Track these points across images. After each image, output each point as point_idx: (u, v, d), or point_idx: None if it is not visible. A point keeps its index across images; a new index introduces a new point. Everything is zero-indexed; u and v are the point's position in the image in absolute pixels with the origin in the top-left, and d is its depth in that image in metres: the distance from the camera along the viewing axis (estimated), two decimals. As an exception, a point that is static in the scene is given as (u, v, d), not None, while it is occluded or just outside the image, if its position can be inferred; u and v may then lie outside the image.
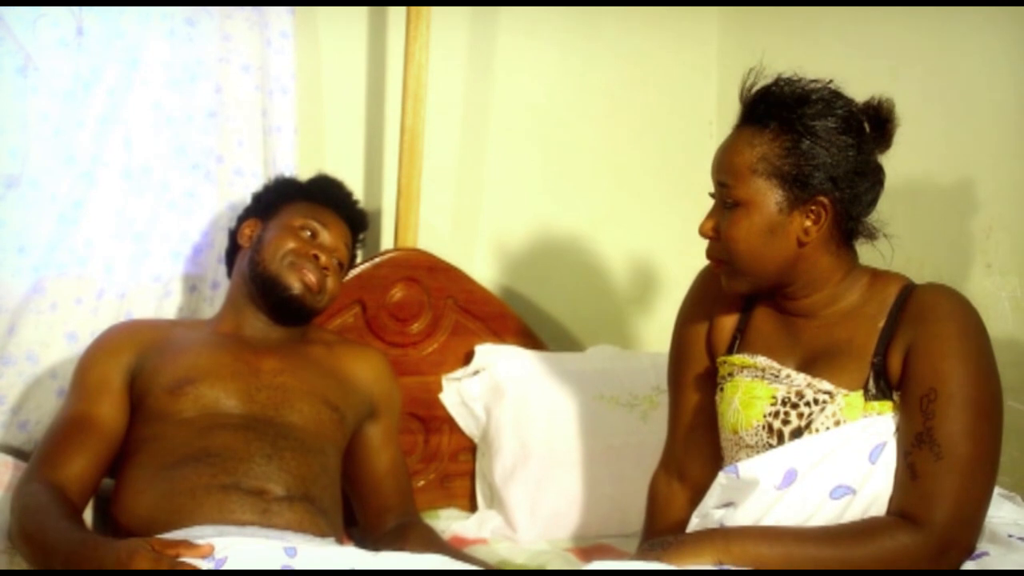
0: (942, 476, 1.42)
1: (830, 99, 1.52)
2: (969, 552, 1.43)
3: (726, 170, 1.55)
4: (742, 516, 1.49)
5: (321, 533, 1.67)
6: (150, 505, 1.65)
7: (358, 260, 2.21)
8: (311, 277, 1.89)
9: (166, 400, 1.76)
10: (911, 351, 1.48)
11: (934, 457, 1.42)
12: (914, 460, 1.44)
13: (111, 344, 1.87)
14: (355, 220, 2.06)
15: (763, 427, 1.54)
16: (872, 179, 1.54)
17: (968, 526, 1.43)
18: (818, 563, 1.42)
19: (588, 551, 2.12)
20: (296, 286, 1.88)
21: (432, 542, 1.90)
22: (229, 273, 2.04)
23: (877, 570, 1.41)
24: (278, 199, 2.02)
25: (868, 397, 1.50)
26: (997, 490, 1.52)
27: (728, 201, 1.55)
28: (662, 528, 1.72)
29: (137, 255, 2.12)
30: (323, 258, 1.91)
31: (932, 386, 1.45)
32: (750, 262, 1.55)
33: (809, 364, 1.56)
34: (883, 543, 1.42)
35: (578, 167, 2.79)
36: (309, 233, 1.94)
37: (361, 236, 2.10)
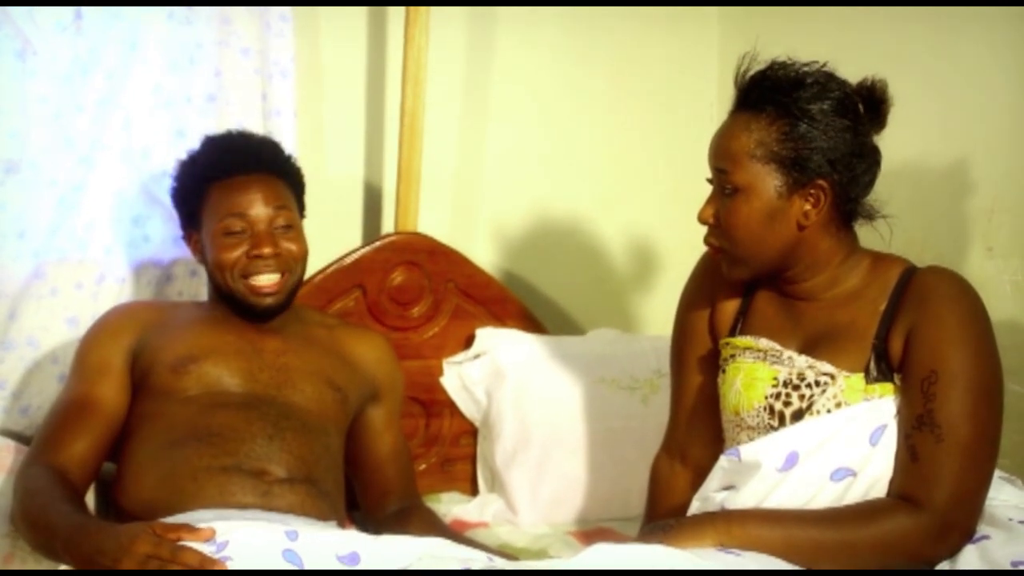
0: (943, 458, 1.42)
1: (825, 82, 1.52)
2: (969, 534, 1.43)
3: (723, 156, 1.55)
4: (743, 499, 1.50)
5: (323, 516, 1.67)
6: (152, 487, 1.65)
7: (358, 244, 2.20)
8: (267, 282, 1.80)
9: (169, 377, 1.75)
10: (912, 333, 1.48)
11: (935, 439, 1.42)
12: (915, 442, 1.44)
13: (111, 326, 1.85)
14: (271, 163, 1.87)
15: (764, 408, 1.55)
16: (869, 160, 1.54)
17: (968, 508, 1.44)
18: (819, 545, 1.42)
19: (589, 534, 2.13)
20: (259, 302, 1.81)
21: (434, 526, 1.90)
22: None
23: (877, 551, 1.42)
24: (192, 202, 1.86)
25: (869, 379, 1.50)
26: (997, 473, 1.52)
27: (727, 187, 1.54)
28: (664, 511, 1.72)
29: (137, 239, 2.11)
30: (267, 250, 1.78)
31: (933, 368, 1.45)
32: (750, 248, 1.55)
33: (811, 346, 1.56)
34: (884, 525, 1.42)
35: (579, 150, 2.78)
36: (240, 227, 1.79)
37: (288, 156, 1.93)
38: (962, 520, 1.43)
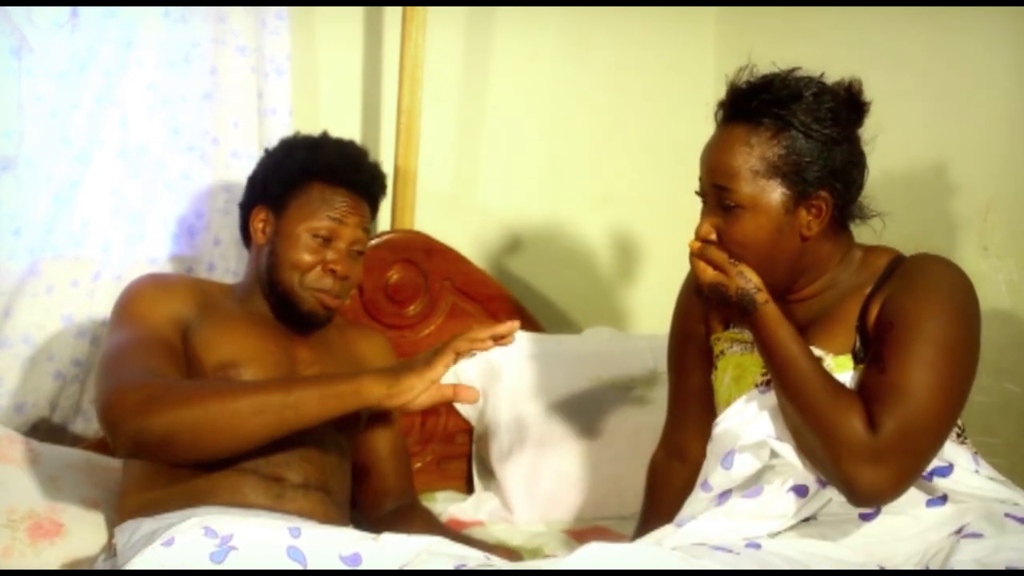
0: (905, 391, 1.41)
1: (819, 92, 1.51)
2: (901, 481, 1.41)
3: (724, 172, 1.52)
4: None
5: (331, 524, 1.65)
6: (164, 483, 1.61)
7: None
8: (329, 298, 1.78)
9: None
10: (887, 300, 1.49)
11: (897, 371, 1.42)
12: (886, 363, 1.44)
13: (168, 288, 1.75)
14: (377, 195, 1.90)
15: None
16: (861, 165, 1.55)
17: (910, 447, 1.40)
18: (800, 382, 1.44)
19: (584, 533, 2.13)
20: (313, 311, 1.79)
21: (432, 525, 1.90)
22: (246, 244, 1.91)
23: (825, 428, 1.42)
24: (287, 185, 1.81)
25: (857, 360, 1.51)
26: (952, 440, 1.50)
27: (729, 204, 1.52)
28: (661, 508, 1.72)
29: (133, 236, 2.12)
30: (343, 271, 1.78)
31: (897, 321, 1.45)
32: (758, 263, 1.52)
33: (801, 333, 1.56)
34: (842, 418, 1.41)
35: (575, 149, 2.78)
36: (326, 235, 1.78)
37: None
38: (899, 457, 1.39)
